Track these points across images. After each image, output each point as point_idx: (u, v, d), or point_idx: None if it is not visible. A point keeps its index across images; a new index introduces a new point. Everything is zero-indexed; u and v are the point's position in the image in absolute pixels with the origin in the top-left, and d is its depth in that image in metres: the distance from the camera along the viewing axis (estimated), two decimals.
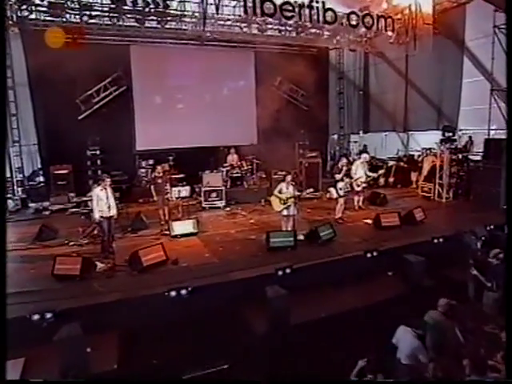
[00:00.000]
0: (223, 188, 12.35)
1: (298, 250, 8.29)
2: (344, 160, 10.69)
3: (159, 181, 10.56)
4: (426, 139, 16.84)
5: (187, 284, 6.54)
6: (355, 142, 20.03)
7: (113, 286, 6.86)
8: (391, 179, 15.21)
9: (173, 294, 6.40)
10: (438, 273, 7.95)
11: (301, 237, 8.82)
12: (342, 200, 10.46)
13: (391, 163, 15.53)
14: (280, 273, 7.07)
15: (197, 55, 15.35)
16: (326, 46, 16.87)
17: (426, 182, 13.47)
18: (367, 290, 7.40)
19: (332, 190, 13.39)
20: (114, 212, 8.47)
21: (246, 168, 13.49)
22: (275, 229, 9.36)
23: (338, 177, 10.32)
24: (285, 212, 8.93)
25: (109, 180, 8.40)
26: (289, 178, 8.96)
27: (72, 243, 9.11)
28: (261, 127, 15.99)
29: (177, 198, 10.07)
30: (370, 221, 10.32)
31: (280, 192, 8.92)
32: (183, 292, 6.44)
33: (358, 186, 11.24)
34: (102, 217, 8.16)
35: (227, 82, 15.88)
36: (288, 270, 7.12)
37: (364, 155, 11.71)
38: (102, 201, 8.08)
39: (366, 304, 6.98)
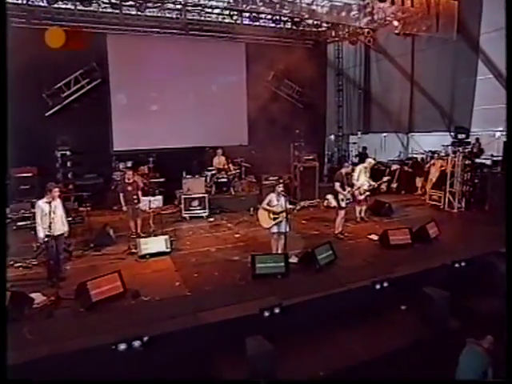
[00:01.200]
0: (206, 195, 10.63)
1: (291, 277, 6.59)
2: (348, 166, 9.01)
3: (129, 188, 8.84)
4: (429, 141, 15.29)
5: (143, 332, 4.83)
6: (354, 143, 18.43)
7: (47, 331, 5.14)
8: (394, 185, 13.58)
9: (122, 347, 4.69)
10: (464, 307, 6.30)
11: (294, 259, 7.15)
12: (342, 212, 8.78)
13: (394, 167, 13.86)
14: (266, 314, 5.37)
15: (181, 47, 13.63)
16: (324, 39, 15.18)
17: (435, 189, 11.82)
18: (377, 335, 5.72)
19: (330, 197, 11.72)
20: (64, 229, 6.77)
21: (233, 172, 11.76)
22: (264, 245, 7.75)
23: (337, 186, 8.63)
24: (275, 229, 7.25)
25: (57, 190, 6.66)
26: (279, 187, 7.26)
27: (18, 264, 7.38)
28: (252, 126, 14.32)
29: (148, 210, 8.32)
30: (375, 237, 8.66)
31: (269, 205, 7.24)
32: (136, 344, 4.73)
33: (361, 194, 9.59)
34: (47, 235, 6.43)
35: (215, 76, 14.09)
36: (277, 310, 5.43)
37: (369, 160, 10.06)
38: (47, 216, 6.33)
39: (376, 354, 5.31)
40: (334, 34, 14.96)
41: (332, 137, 18.73)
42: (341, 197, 8.63)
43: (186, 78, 13.73)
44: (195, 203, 10.46)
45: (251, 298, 5.83)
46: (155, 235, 8.25)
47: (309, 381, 4.89)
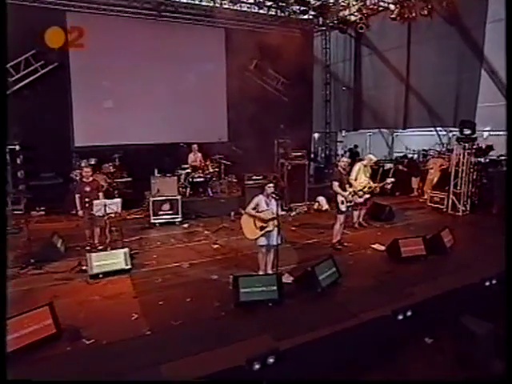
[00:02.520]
0: (179, 197, 8.89)
1: (286, 305, 4.96)
2: (345, 159, 7.45)
3: (87, 188, 7.04)
4: (416, 141, 14.06)
5: None
6: (340, 141, 17.04)
7: None
8: (388, 186, 12.12)
9: None
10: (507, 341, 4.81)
11: (287, 279, 5.53)
12: (342, 217, 7.23)
13: (388, 166, 12.46)
14: (256, 366, 3.72)
15: (153, 30, 11.85)
16: (311, 27, 13.70)
17: (436, 190, 10.45)
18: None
19: (321, 199, 10.29)
20: None
21: (211, 171, 10.05)
22: (249, 258, 6.16)
23: (336, 186, 7.07)
24: (263, 241, 5.61)
25: None
26: (270, 188, 5.62)
27: None
28: (232, 121, 12.69)
29: (104, 215, 6.51)
30: (380, 246, 7.15)
31: (256, 210, 5.60)
32: None
33: (360, 196, 8.05)
34: None
35: (191, 64, 12.32)
36: (271, 360, 3.78)
37: (370, 156, 8.57)
38: None
39: None
40: (321, 21, 13.55)
41: (316, 135, 17.26)
42: (340, 199, 7.07)
43: (159, 66, 11.95)
44: (166, 207, 8.70)
45: (234, 339, 4.16)
46: (112, 248, 6.46)
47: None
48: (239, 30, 12.44)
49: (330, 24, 13.61)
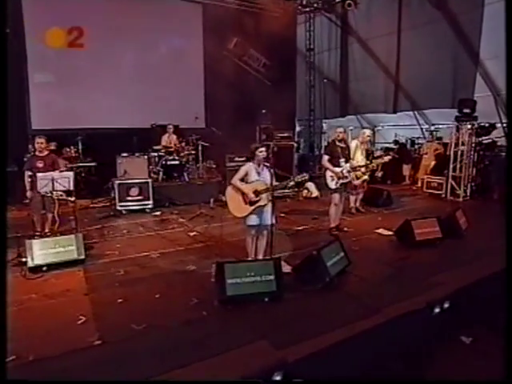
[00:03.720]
0: (150, 181, 7.52)
1: (287, 301, 3.70)
2: (340, 129, 6.28)
3: (39, 164, 5.59)
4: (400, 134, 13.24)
5: None
6: (323, 133, 15.97)
7: None
8: (379, 174, 11.13)
9: None
10: None
11: (285, 268, 4.27)
12: (336, 197, 6.06)
13: (377, 153, 11.45)
14: None
15: (122, 3, 10.39)
16: (294, 8, 12.58)
17: (432, 175, 9.50)
18: None
19: (310, 185, 9.13)
20: None
21: (187, 153, 8.70)
22: (233, 247, 4.94)
23: (325, 160, 5.91)
24: (253, 220, 4.35)
25: None
26: (262, 153, 4.38)
27: None
28: (210, 104, 11.34)
29: (51, 193, 5.06)
30: (386, 231, 6.03)
31: (245, 180, 4.35)
32: None
33: (358, 178, 6.92)
34: None
35: (165, 42, 10.88)
36: (277, 378, 2.53)
37: (364, 131, 7.44)
38: None
39: None
40: (305, 1, 12.47)
41: (298, 128, 16.17)
42: (329, 174, 5.90)
43: (128, 42, 10.45)
44: (134, 191, 7.31)
45: (219, 349, 2.87)
46: (62, 234, 5.04)
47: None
48: (218, 5, 11.16)
49: (315, 4, 12.54)
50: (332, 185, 5.93)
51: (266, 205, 4.33)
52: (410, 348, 3.35)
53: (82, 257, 4.65)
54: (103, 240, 5.69)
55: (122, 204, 7.26)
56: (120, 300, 3.75)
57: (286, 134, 9.13)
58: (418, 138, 12.84)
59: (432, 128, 12.51)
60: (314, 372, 2.75)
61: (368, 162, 6.82)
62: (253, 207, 4.27)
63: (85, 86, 10.04)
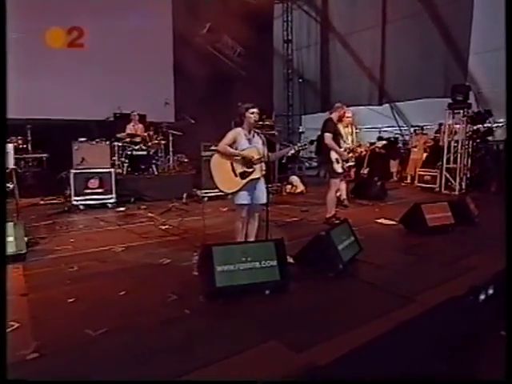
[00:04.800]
0: (112, 171, 6.62)
1: (294, 293, 2.97)
2: (338, 104, 5.69)
3: None
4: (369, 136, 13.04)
5: None
6: (302, 132, 15.51)
7: None
8: (365, 170, 10.67)
9: None
10: None
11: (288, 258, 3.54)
12: (337, 182, 5.45)
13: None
14: None
15: None
16: None
17: (425, 168, 9.12)
18: None
19: (295, 179, 8.57)
20: None
21: (156, 142, 7.86)
22: (216, 239, 4.08)
23: (329, 138, 5.26)
24: (243, 198, 3.61)
25: None
26: (253, 114, 3.68)
27: None
28: (180, 94, 10.58)
29: None
30: (389, 221, 5.46)
31: (234, 147, 3.63)
32: None
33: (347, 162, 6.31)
34: None
35: (128, 22, 10.02)
36: None
37: (349, 111, 6.74)
38: None
39: None
40: None
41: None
42: (334, 156, 5.27)
43: (89, 24, 9.58)
44: (94, 183, 6.38)
45: (210, 358, 2.09)
46: None
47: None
48: None
49: None
50: (338, 168, 5.30)
51: (259, 178, 3.62)
52: (455, 341, 2.69)
53: (23, 251, 3.72)
54: (53, 235, 4.75)
55: (79, 198, 6.31)
56: (71, 300, 2.88)
57: (267, 123, 8.47)
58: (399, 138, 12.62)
59: (412, 130, 12.31)
60: (349, 374, 2.02)
61: (363, 143, 6.27)
62: (245, 180, 3.54)
63: (36, 70, 9.03)
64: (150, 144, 7.75)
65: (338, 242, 3.37)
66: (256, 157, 3.55)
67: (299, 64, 14.24)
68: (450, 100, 8.43)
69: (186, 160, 8.68)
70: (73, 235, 4.80)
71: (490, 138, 8.48)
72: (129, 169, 7.47)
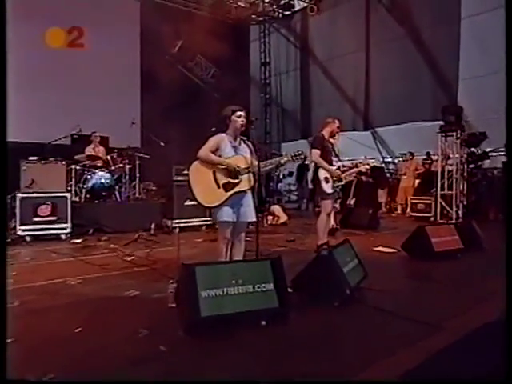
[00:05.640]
0: (68, 196, 6.17)
1: (294, 322, 2.63)
2: (329, 118, 5.56)
3: None
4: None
5: None
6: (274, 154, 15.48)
7: None
8: (351, 201, 10.61)
9: None
10: None
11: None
12: (329, 205, 5.22)
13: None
14: None
15: None
16: (246, 17, 12.45)
17: (417, 196, 9.12)
18: None
19: (277, 208, 8.37)
20: None
21: (120, 166, 7.49)
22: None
23: (316, 154, 5.07)
24: (227, 214, 3.29)
25: None
26: (240, 117, 3.44)
27: None
28: (147, 118, 10.33)
29: None
30: (388, 249, 5.25)
31: (218, 154, 3.36)
32: None
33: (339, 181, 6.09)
34: None
35: (92, 39, 9.88)
36: None
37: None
38: None
39: None
40: (261, 8, 12.38)
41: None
42: (323, 175, 5.06)
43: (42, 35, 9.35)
44: (45, 210, 5.89)
45: None
46: None
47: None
48: (160, 3, 10.62)
49: (270, 12, 12.52)
50: (328, 188, 5.07)
51: (246, 192, 3.35)
52: (489, 370, 2.41)
53: None
54: None
55: (26, 228, 5.78)
56: (11, 340, 2.42)
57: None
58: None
59: (396, 161, 12.51)
60: None
61: (357, 163, 6.15)
62: (229, 193, 3.25)
63: None
64: (113, 168, 7.38)
65: (342, 263, 3.09)
66: (243, 166, 3.30)
67: (277, 90, 14.43)
68: (437, 124, 8.65)
69: (153, 188, 8.33)
70: (16, 268, 4.29)
71: (485, 162, 8.61)
72: (88, 195, 7.03)
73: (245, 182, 3.31)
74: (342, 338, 2.44)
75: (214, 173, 3.28)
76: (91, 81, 9.63)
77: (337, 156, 5.41)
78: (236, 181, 3.29)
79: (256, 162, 3.36)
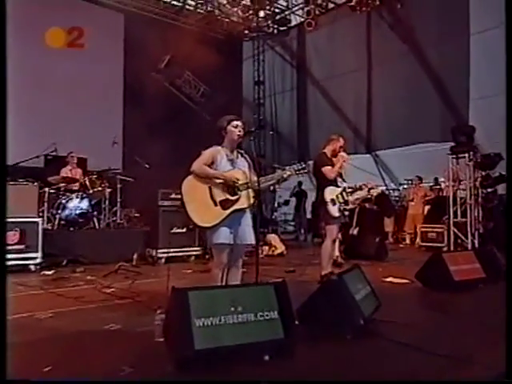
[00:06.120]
0: (39, 221, 6.01)
1: (301, 356, 2.49)
2: (334, 136, 5.54)
3: None
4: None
5: None
6: (272, 191, 15.46)
7: None
8: (354, 231, 10.52)
9: None
10: None
11: None
12: (334, 230, 5.14)
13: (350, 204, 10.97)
14: None
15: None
16: (239, 32, 12.69)
17: (427, 224, 9.09)
18: None
19: (274, 237, 8.28)
20: None
21: (100, 190, 7.37)
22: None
23: (327, 170, 5.03)
24: (224, 236, 3.17)
25: None
26: (237, 127, 3.40)
27: None
28: (130, 140, 10.27)
29: None
30: (399, 279, 5.15)
31: (213, 167, 3.29)
32: None
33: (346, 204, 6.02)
34: None
35: (74, 58, 9.93)
36: None
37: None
38: None
39: None
40: (254, 22, 12.65)
41: None
42: (329, 196, 5.00)
43: (24, 51, 9.36)
44: (12, 237, 5.72)
45: None
46: None
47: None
48: (145, 16, 10.81)
49: (264, 28, 12.81)
50: (334, 211, 4.99)
51: (246, 209, 3.26)
52: None
53: None
54: None
55: None
56: None
57: None
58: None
59: (401, 188, 12.59)
60: None
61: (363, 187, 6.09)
62: (228, 211, 3.15)
63: None
64: (91, 192, 7.26)
65: (353, 290, 2.98)
66: (241, 180, 3.22)
67: (272, 111, 14.58)
68: (446, 145, 8.72)
69: (136, 214, 8.21)
70: None
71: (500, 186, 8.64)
72: (62, 222, 6.87)
73: (244, 199, 3.23)
74: (358, 376, 2.30)
75: (210, 188, 3.19)
76: (69, 96, 9.63)
77: (341, 177, 5.36)
78: (235, 197, 3.20)
79: (255, 177, 3.29)
